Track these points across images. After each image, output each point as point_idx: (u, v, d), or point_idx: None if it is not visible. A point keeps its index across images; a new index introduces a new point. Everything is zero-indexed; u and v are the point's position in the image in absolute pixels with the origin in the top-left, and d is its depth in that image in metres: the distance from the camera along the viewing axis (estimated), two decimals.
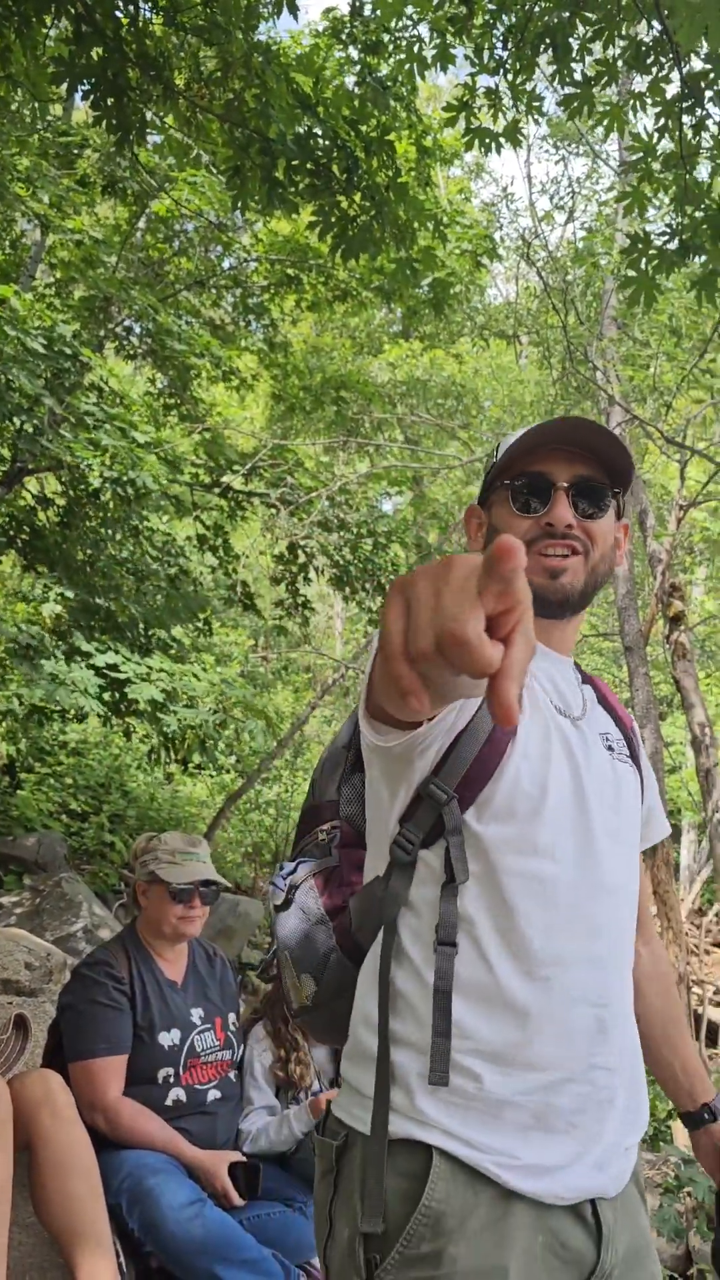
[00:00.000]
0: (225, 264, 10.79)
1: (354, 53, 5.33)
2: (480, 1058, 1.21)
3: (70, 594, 7.33)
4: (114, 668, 6.62)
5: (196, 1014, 2.90)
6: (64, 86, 4.01)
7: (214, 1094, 2.85)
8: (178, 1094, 2.78)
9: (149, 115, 4.23)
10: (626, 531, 1.55)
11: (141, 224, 10.18)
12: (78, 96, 4.49)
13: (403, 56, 4.71)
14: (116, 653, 6.85)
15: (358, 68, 5.17)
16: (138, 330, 9.59)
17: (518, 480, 1.43)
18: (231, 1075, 2.94)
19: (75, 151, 8.76)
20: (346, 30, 5.29)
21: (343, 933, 1.44)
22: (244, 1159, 2.78)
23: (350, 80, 5.53)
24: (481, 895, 1.26)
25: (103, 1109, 2.62)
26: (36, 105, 5.32)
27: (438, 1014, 1.22)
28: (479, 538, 1.52)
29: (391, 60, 5.07)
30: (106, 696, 6.48)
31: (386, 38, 4.98)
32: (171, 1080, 2.78)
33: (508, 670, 0.67)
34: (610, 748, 1.44)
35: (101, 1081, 2.64)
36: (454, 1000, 1.23)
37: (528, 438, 1.41)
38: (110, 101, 3.99)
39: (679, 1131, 6.99)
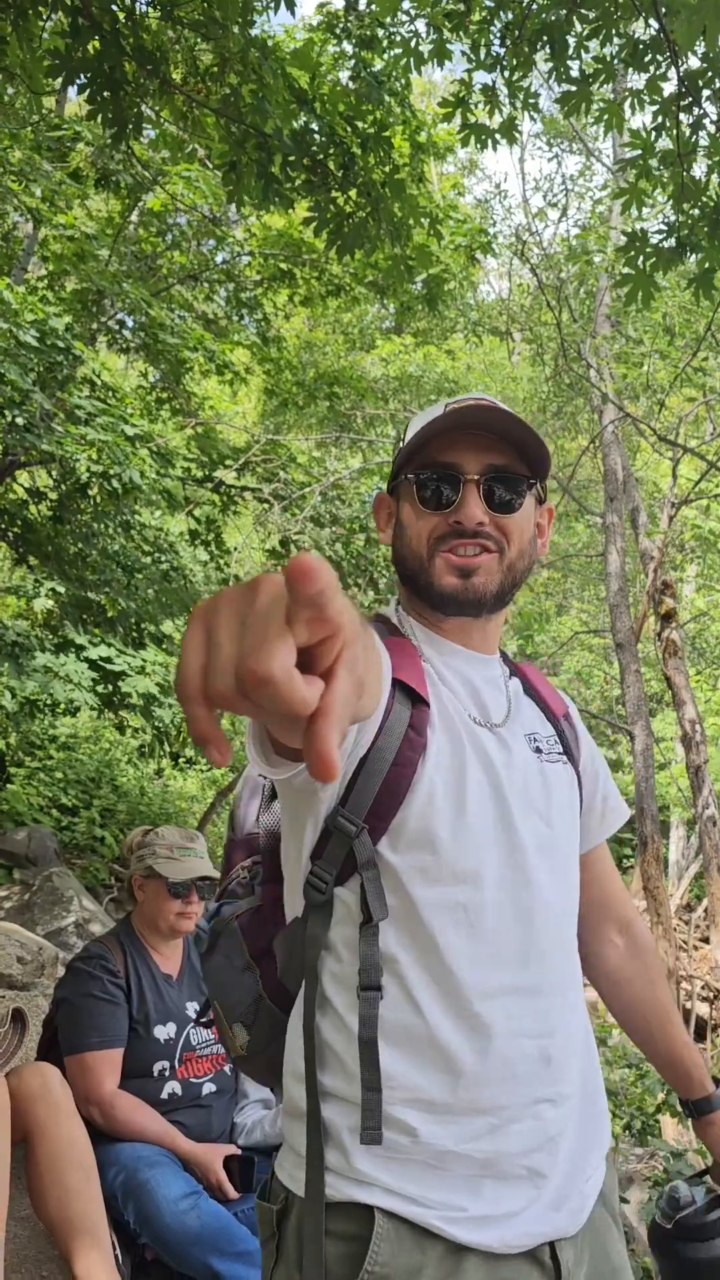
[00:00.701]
0: (218, 258, 10.78)
1: (348, 48, 5.33)
2: (417, 1108, 1.13)
3: (62, 589, 7.32)
4: (108, 660, 6.62)
5: (192, 1008, 2.91)
6: (60, 80, 3.98)
7: (209, 1087, 2.86)
8: (173, 1087, 2.79)
9: (145, 110, 4.22)
10: (551, 516, 1.44)
11: (134, 217, 10.16)
12: (71, 90, 4.49)
13: (399, 52, 4.71)
14: (110, 646, 6.85)
15: (352, 63, 5.17)
16: (130, 324, 9.58)
17: (423, 473, 1.31)
18: (227, 1069, 2.95)
19: (68, 145, 8.73)
20: (341, 25, 5.29)
21: (269, 979, 1.34)
22: (239, 1152, 2.79)
23: (345, 75, 5.53)
24: (403, 932, 1.17)
25: (98, 1102, 2.63)
26: (31, 99, 5.30)
27: (365, 1066, 1.14)
28: (388, 530, 1.40)
29: (386, 55, 5.07)
30: (100, 689, 6.48)
31: (381, 33, 4.99)
32: (167, 1074, 2.79)
33: (326, 711, 0.58)
34: (539, 749, 1.34)
35: (97, 1075, 2.65)
36: (382, 1049, 1.14)
37: (435, 423, 1.29)
38: (106, 95, 3.98)
39: (668, 1125, 7.04)
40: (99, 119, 4.03)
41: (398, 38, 4.79)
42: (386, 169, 4.45)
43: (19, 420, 6.77)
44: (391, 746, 1.18)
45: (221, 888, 1.49)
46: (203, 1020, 1.45)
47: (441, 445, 1.30)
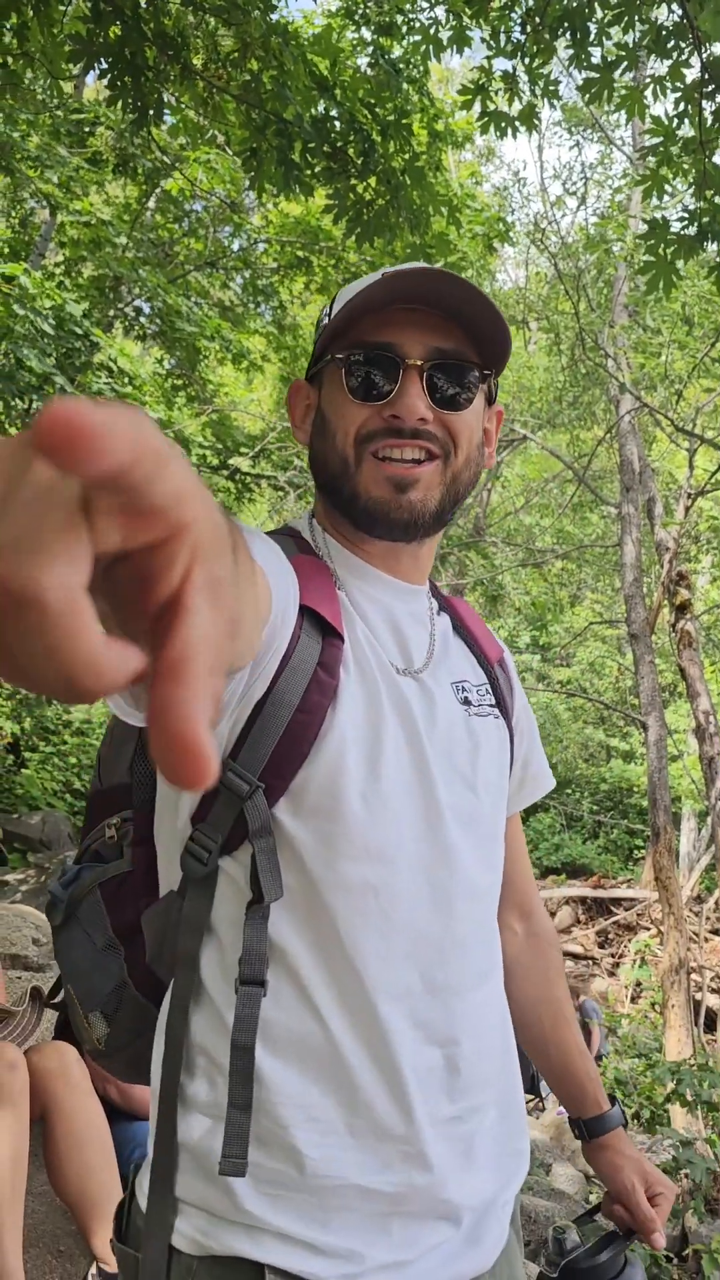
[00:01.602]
0: (235, 245, 10.78)
1: (366, 34, 5.32)
2: (309, 1129, 0.93)
3: None
4: None
5: None
6: (80, 65, 3.99)
7: None
8: None
9: (166, 96, 4.22)
10: (499, 420, 1.20)
11: (151, 203, 10.16)
12: (90, 74, 4.49)
13: (418, 38, 4.70)
14: None
15: (370, 49, 5.16)
16: (147, 310, 9.60)
17: (355, 352, 1.05)
18: None
19: (87, 130, 8.74)
20: (360, 11, 5.28)
21: (136, 962, 1.11)
22: None
23: (363, 61, 5.51)
24: (300, 917, 0.96)
25: (116, 1080, 2.66)
26: (50, 84, 5.29)
27: (235, 1077, 0.93)
28: (305, 426, 1.15)
29: (405, 42, 5.05)
30: None
31: (400, 19, 4.97)
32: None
33: (177, 669, 0.35)
34: (467, 700, 1.13)
35: None
36: (266, 1058, 0.94)
37: (369, 293, 1.01)
38: (127, 81, 3.98)
39: (677, 1114, 7.06)
40: (119, 104, 4.04)
41: (416, 24, 4.77)
42: (406, 156, 4.44)
43: (38, 405, 6.80)
44: (296, 689, 0.95)
45: (83, 848, 1.22)
46: (53, 1002, 1.27)
47: (378, 322, 1.04)
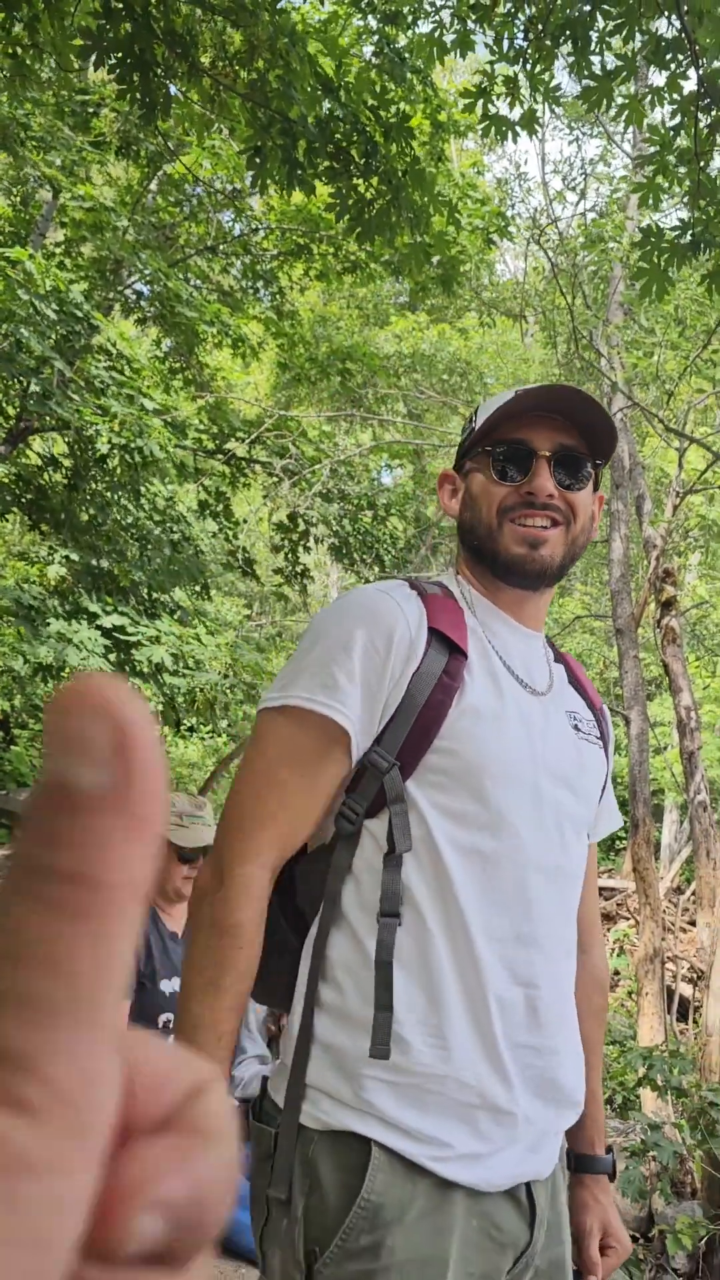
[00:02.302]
0: (235, 230, 10.80)
1: (373, 22, 5.38)
2: (423, 1030, 1.18)
3: (75, 556, 7.43)
4: (120, 630, 6.74)
5: None
6: (91, 59, 4.06)
7: None
8: (168, 1016, 2.94)
9: (174, 92, 4.29)
10: (601, 503, 1.50)
11: (153, 186, 10.17)
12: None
13: (424, 29, 4.76)
14: (123, 615, 6.97)
15: (376, 38, 5.22)
16: (147, 294, 9.63)
17: (498, 447, 1.38)
18: None
19: (92, 110, 8.75)
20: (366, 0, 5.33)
21: (287, 903, 1.35)
22: (236, 1104, 2.93)
23: (368, 50, 5.57)
24: (423, 866, 1.23)
25: None
26: (58, 73, 5.35)
27: (380, 988, 1.19)
28: (454, 504, 1.47)
29: (410, 32, 5.12)
30: (112, 658, 6.60)
31: (405, 9, 5.02)
32: (171, 1025, 2.94)
33: None
34: (577, 726, 1.41)
35: None
36: (400, 973, 1.19)
37: (512, 404, 1.37)
38: (136, 77, 4.06)
39: (647, 1099, 7.22)
40: (128, 99, 4.11)
41: (422, 12, 4.82)
42: (408, 158, 4.52)
43: (35, 387, 6.86)
44: (424, 691, 1.25)
45: None
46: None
47: (516, 424, 1.38)
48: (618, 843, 20.06)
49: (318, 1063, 1.21)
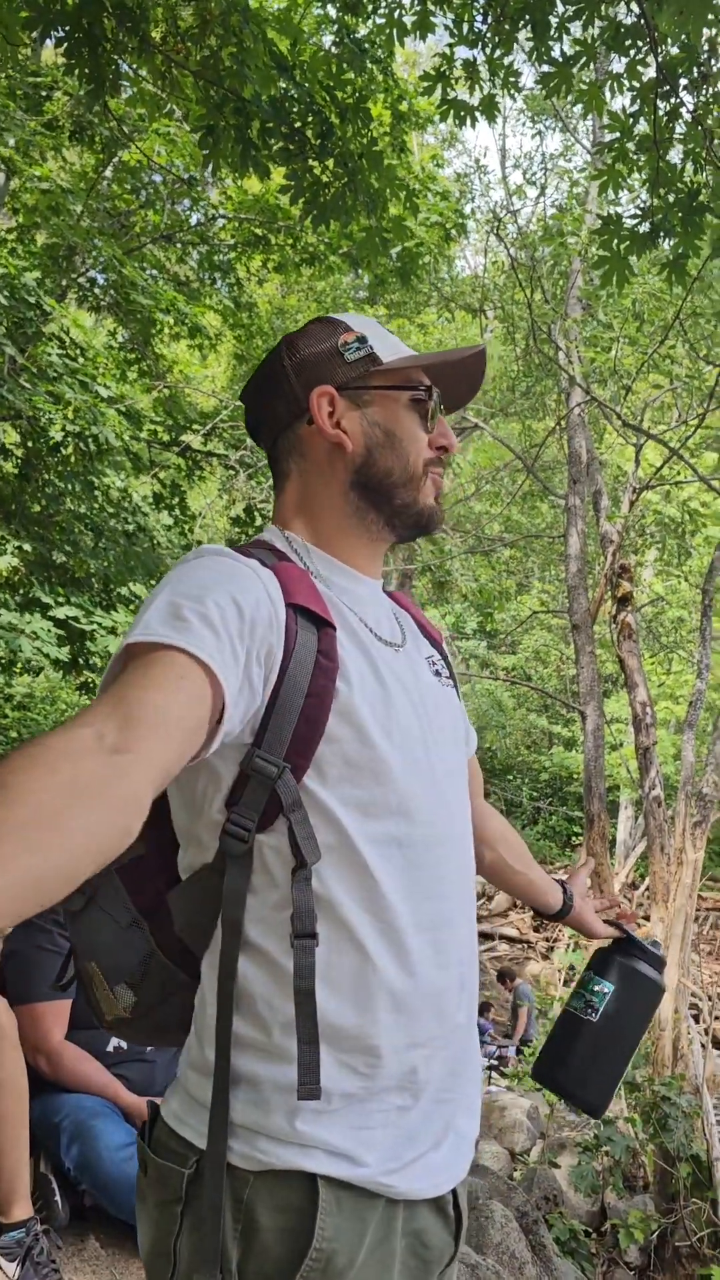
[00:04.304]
0: (193, 219, 10.67)
1: (332, 11, 5.30)
2: (361, 1052, 1.09)
3: (28, 547, 7.29)
4: (74, 620, 6.62)
5: None
6: (37, 32, 3.94)
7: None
8: (118, 1041, 2.85)
9: (123, 67, 4.18)
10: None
11: (108, 173, 10.02)
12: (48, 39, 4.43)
13: (383, 20, 4.70)
14: (77, 606, 6.85)
15: (335, 26, 5.14)
16: (102, 281, 9.48)
17: (433, 392, 1.30)
18: None
19: (44, 94, 8.59)
20: None
21: (163, 933, 1.23)
22: None
23: (328, 40, 5.49)
24: (341, 871, 1.10)
25: (46, 1052, 2.68)
26: (6, 49, 5.21)
27: (302, 1018, 1.06)
28: (342, 433, 1.27)
29: (370, 22, 5.05)
30: (65, 650, 6.49)
31: None
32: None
33: None
34: (437, 672, 1.33)
35: (45, 1024, 2.70)
36: (325, 996, 1.08)
37: (459, 358, 1.31)
38: (85, 51, 3.94)
39: None
40: (76, 74, 4.00)
41: (382, 4, 4.76)
42: (364, 140, 4.45)
43: None
44: (303, 676, 1.10)
45: None
46: (61, 984, 1.32)
47: (418, 370, 1.30)
48: (574, 838, 20.17)
49: (245, 1101, 1.09)
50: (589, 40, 4.30)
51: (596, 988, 1.54)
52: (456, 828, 1.23)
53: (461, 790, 1.28)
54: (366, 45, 5.03)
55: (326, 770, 1.11)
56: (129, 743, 0.89)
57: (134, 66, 4.38)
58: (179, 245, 10.48)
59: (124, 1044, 2.86)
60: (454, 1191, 1.19)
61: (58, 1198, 2.61)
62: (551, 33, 4.34)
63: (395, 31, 4.64)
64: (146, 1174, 1.16)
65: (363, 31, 5.19)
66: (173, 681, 0.97)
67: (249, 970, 1.10)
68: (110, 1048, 2.84)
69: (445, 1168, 1.15)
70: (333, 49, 4.99)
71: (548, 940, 18.14)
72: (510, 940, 18.54)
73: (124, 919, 1.24)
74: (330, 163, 4.37)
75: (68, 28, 3.96)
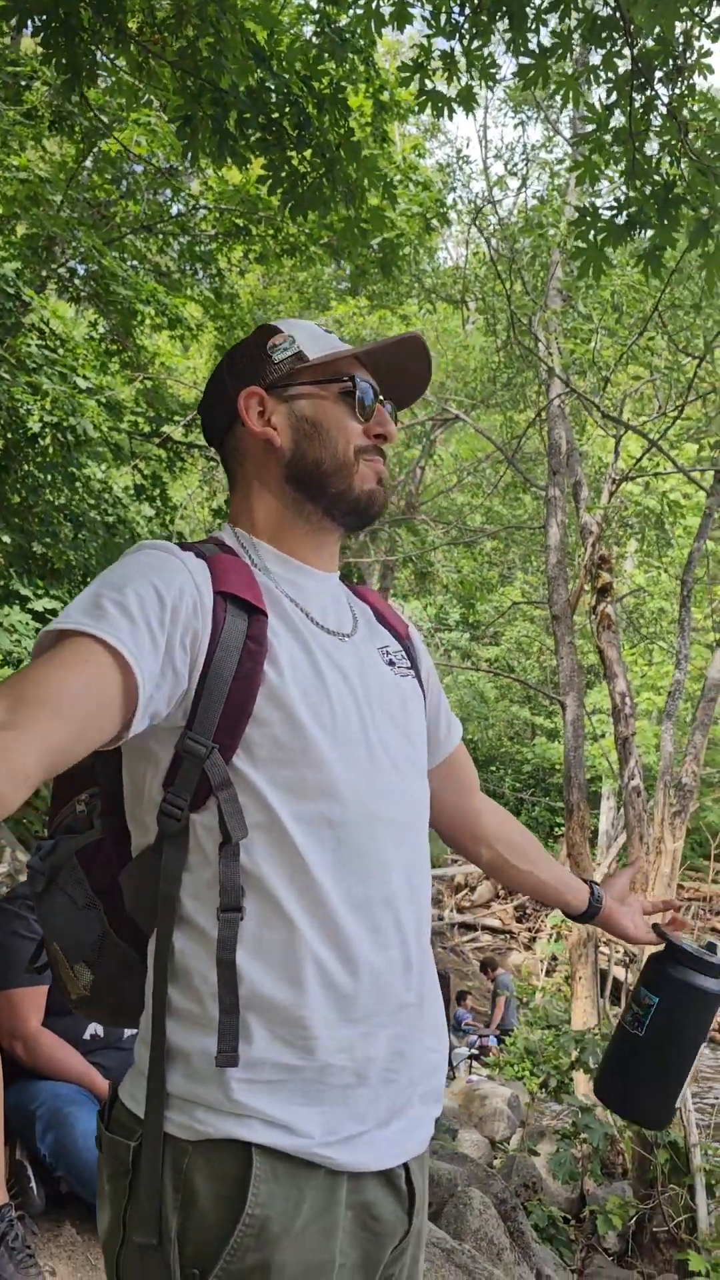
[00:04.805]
0: (174, 210, 10.63)
1: (313, 1, 5.28)
2: (289, 1024, 1.11)
3: (7, 538, 7.27)
4: (54, 613, 6.61)
5: None
6: (13, 21, 3.92)
7: (130, 1031, 2.93)
8: (95, 1029, 2.86)
9: (100, 57, 4.17)
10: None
11: (88, 163, 9.97)
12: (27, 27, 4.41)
13: (361, 11, 4.69)
14: (56, 599, 6.84)
15: (316, 16, 5.13)
16: (81, 272, 9.43)
17: (360, 383, 1.34)
18: None
19: (23, 84, 8.53)
20: None
21: (115, 914, 1.28)
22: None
23: (309, 30, 5.47)
24: (269, 849, 1.14)
25: (23, 1038, 2.69)
26: None
27: (223, 989, 1.10)
28: (271, 430, 1.33)
29: (351, 12, 5.04)
30: None
31: None
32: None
33: None
34: (391, 662, 1.37)
35: (22, 1011, 2.71)
36: (253, 967, 1.11)
37: (383, 349, 1.36)
38: (61, 41, 3.93)
39: (580, 1081, 7.28)
40: (52, 64, 3.98)
41: None
42: (342, 130, 4.44)
43: None
44: (230, 660, 1.15)
45: (56, 822, 1.39)
46: (37, 965, 1.37)
47: (355, 366, 1.36)
48: (557, 829, 20.25)
49: (179, 1071, 1.12)
50: (565, 32, 4.30)
51: (645, 1000, 1.51)
52: (401, 811, 1.25)
53: (410, 775, 1.30)
54: (348, 35, 5.02)
55: (256, 751, 1.15)
56: (16, 721, 0.96)
57: (111, 56, 4.36)
58: (160, 236, 10.44)
59: (100, 1031, 2.87)
60: (406, 1167, 1.20)
61: (33, 1184, 2.62)
62: (529, 24, 4.35)
63: (373, 22, 4.63)
64: (102, 1150, 1.19)
65: (343, 21, 5.19)
66: (75, 665, 1.03)
67: (184, 945, 1.14)
68: (87, 1035, 2.85)
69: (393, 1144, 1.17)
70: (314, 39, 4.99)
71: (530, 931, 18.23)
72: (493, 931, 18.63)
73: (81, 900, 1.29)
74: (308, 153, 4.37)
75: (44, 17, 3.95)
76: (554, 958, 15.59)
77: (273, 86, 4.25)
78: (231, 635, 1.16)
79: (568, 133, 11.23)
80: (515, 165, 14.34)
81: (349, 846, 1.17)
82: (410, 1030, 1.21)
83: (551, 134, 13.17)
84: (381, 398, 1.36)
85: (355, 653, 1.30)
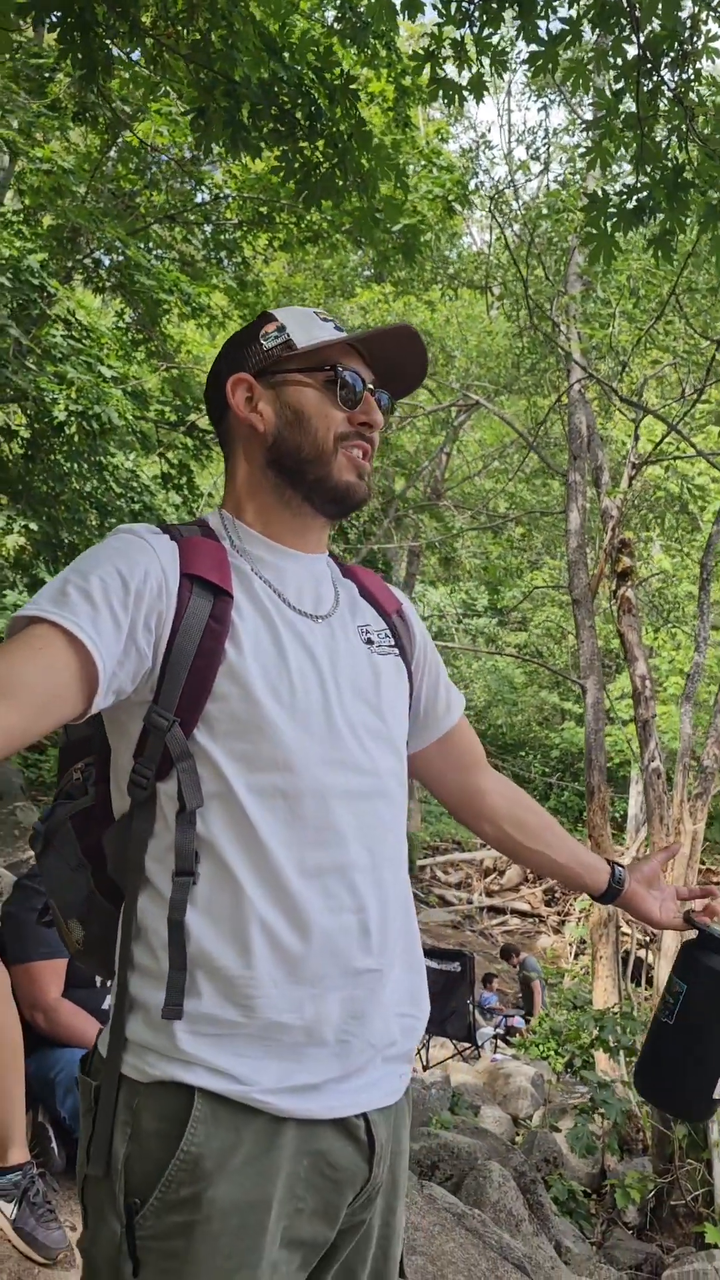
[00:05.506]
0: (198, 199, 10.70)
1: None
2: (238, 983, 1.18)
3: (34, 526, 7.39)
4: None
5: None
6: (30, 17, 4.00)
7: None
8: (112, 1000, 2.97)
9: (115, 52, 4.25)
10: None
11: (112, 154, 10.06)
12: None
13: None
14: None
15: (338, 3, 5.17)
16: (107, 262, 9.53)
17: (343, 371, 1.37)
18: None
19: (47, 75, 8.62)
20: None
21: (100, 875, 1.36)
22: None
23: (330, 15, 5.51)
24: (223, 817, 1.21)
25: (43, 1008, 2.80)
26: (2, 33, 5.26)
27: (173, 945, 1.18)
28: (257, 416, 1.38)
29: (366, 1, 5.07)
30: None
31: None
32: (108, 985, 2.96)
33: None
34: (370, 640, 1.41)
35: (42, 983, 2.82)
36: (204, 927, 1.19)
37: (368, 338, 1.39)
38: (76, 36, 4.01)
39: (600, 1059, 7.34)
40: (69, 59, 4.06)
41: None
42: (353, 120, 4.50)
43: None
44: (192, 639, 1.22)
45: (57, 790, 1.48)
46: (44, 920, 1.53)
47: (344, 354, 1.38)
48: (585, 814, 20.27)
49: (135, 1018, 1.21)
50: (574, 19, 4.32)
51: (675, 988, 1.50)
52: (360, 782, 1.29)
53: (376, 749, 1.33)
54: (369, 20, 5.05)
55: (215, 725, 1.22)
56: None
57: (126, 51, 4.44)
58: (183, 225, 10.52)
59: None
60: (367, 1118, 1.25)
61: (54, 1145, 2.74)
62: (538, 11, 4.37)
63: (384, 12, 4.67)
64: (79, 1092, 1.29)
65: (363, 7, 5.22)
66: (31, 650, 1.13)
67: (145, 905, 1.23)
68: (106, 1005, 2.96)
69: (348, 1096, 1.23)
70: (335, 24, 5.03)
71: (559, 915, 18.26)
72: (522, 914, 18.69)
73: (72, 861, 1.38)
74: (320, 143, 4.43)
75: (60, 13, 4.03)
76: (582, 941, 15.61)
77: (285, 78, 4.31)
78: (195, 615, 1.23)
79: (589, 116, 11.18)
80: (537, 150, 14.28)
81: (302, 817, 1.23)
82: (369, 994, 1.25)
83: (574, 118, 13.11)
84: (372, 387, 1.39)
85: (329, 632, 1.35)
